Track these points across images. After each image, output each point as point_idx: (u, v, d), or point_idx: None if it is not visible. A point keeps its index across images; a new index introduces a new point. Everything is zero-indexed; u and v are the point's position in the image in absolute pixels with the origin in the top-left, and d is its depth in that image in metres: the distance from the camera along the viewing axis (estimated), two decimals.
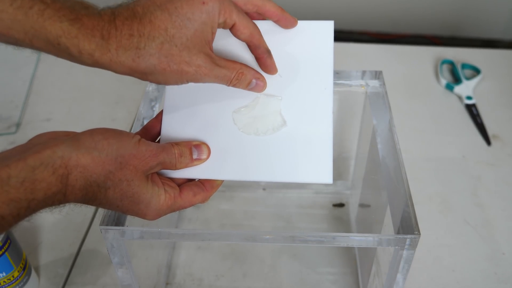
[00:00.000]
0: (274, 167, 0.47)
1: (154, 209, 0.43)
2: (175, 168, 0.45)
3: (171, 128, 0.50)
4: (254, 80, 0.47)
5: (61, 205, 0.39)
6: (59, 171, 0.37)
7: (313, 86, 0.50)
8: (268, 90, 0.50)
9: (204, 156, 0.47)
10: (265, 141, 0.48)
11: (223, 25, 0.44)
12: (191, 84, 0.45)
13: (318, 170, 0.47)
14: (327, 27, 0.52)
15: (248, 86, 0.47)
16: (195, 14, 0.42)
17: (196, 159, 0.47)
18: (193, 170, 0.47)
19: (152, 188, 0.43)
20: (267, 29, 0.50)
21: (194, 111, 0.50)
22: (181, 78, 0.43)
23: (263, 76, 0.48)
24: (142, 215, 0.43)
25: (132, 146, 0.41)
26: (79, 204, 0.41)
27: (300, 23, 0.52)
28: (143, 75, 0.42)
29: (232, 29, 0.45)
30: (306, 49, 0.51)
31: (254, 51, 0.48)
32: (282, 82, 0.50)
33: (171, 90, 0.51)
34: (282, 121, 0.48)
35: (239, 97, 0.50)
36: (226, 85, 0.46)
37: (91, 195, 0.40)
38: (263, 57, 0.48)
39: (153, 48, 0.41)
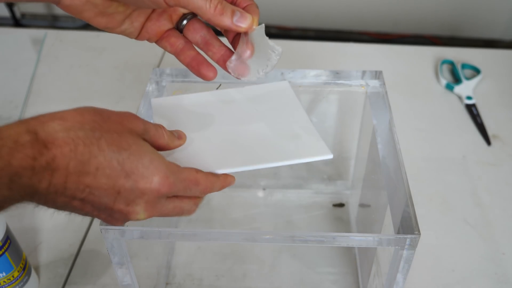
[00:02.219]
0: (276, 153, 0.49)
1: (160, 167, 0.38)
2: (164, 141, 0.42)
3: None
4: (237, 12, 0.43)
5: (50, 172, 0.32)
6: (30, 128, 0.32)
7: (286, 108, 0.55)
8: (246, 120, 0.53)
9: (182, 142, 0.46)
10: (260, 135, 0.51)
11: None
12: (176, 103, 0.47)
13: (316, 148, 0.49)
14: (285, 86, 0.58)
15: (234, 17, 0.43)
16: None
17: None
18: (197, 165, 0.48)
19: (149, 146, 0.39)
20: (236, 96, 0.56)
21: (185, 117, 0.53)
22: None
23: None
24: (150, 176, 0.37)
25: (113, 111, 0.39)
26: (78, 171, 0.34)
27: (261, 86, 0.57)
28: None
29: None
30: (272, 96, 0.57)
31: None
32: (259, 112, 0.54)
33: (158, 109, 0.54)
34: (277, 47, 0.47)
35: (226, 110, 0.53)
36: (210, 16, 0.42)
37: (81, 149, 0.34)
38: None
39: None
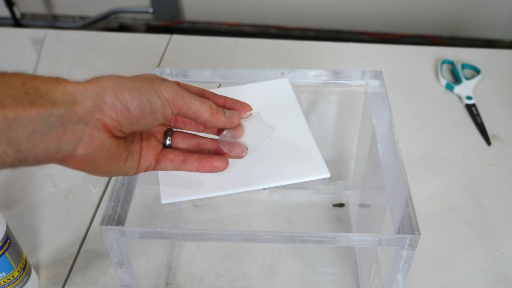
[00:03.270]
0: (274, 173, 0.50)
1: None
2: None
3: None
4: (225, 110, 0.47)
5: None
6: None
7: (287, 116, 0.55)
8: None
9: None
10: (259, 155, 0.51)
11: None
12: None
13: (314, 168, 0.50)
14: (284, 83, 0.59)
15: (226, 115, 0.47)
16: None
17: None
18: (195, 189, 0.49)
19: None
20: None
21: None
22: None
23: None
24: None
25: None
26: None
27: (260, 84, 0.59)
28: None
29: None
30: (271, 97, 0.57)
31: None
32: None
33: None
34: (269, 127, 0.50)
35: None
36: (208, 116, 0.45)
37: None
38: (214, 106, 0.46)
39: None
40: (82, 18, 2.01)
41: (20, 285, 0.61)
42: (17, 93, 0.35)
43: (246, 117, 0.49)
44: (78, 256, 0.69)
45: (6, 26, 1.91)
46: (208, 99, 0.47)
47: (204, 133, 0.50)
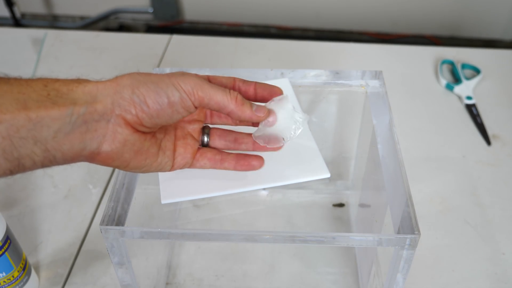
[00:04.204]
0: (274, 173, 0.50)
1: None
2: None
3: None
4: (253, 103, 0.46)
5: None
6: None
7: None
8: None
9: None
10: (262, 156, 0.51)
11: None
12: None
13: (314, 168, 0.50)
14: (284, 83, 0.59)
15: (253, 108, 0.46)
16: None
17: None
18: (195, 189, 0.49)
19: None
20: None
21: None
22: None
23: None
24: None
25: None
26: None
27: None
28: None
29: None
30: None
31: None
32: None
33: None
34: (302, 115, 0.49)
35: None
36: (233, 107, 0.44)
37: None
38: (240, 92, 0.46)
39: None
40: (82, 18, 2.01)
41: (20, 285, 0.61)
42: (39, 96, 0.36)
43: (275, 103, 0.48)
44: (78, 256, 0.69)
45: (6, 26, 1.91)
46: (237, 87, 0.47)
47: (242, 126, 0.50)
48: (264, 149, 0.49)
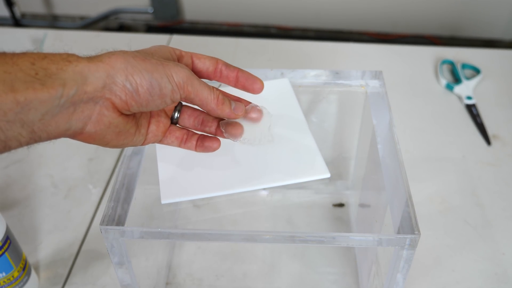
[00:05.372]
0: (275, 173, 0.50)
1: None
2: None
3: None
4: (232, 102, 0.47)
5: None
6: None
7: (288, 116, 0.56)
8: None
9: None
10: (259, 155, 0.52)
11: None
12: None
13: (315, 168, 0.51)
14: (284, 83, 0.60)
15: (232, 106, 0.47)
16: None
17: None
18: (195, 189, 0.50)
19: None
20: None
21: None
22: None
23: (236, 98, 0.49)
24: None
25: None
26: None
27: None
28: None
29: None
30: (271, 97, 0.57)
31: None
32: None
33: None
34: (270, 136, 0.50)
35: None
36: (214, 106, 0.45)
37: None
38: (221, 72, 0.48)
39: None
40: (82, 18, 2.01)
41: (20, 285, 0.61)
42: (26, 75, 0.35)
43: (255, 116, 0.49)
44: (78, 256, 0.69)
45: (6, 26, 1.91)
46: (220, 70, 0.47)
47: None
48: (222, 135, 0.49)
